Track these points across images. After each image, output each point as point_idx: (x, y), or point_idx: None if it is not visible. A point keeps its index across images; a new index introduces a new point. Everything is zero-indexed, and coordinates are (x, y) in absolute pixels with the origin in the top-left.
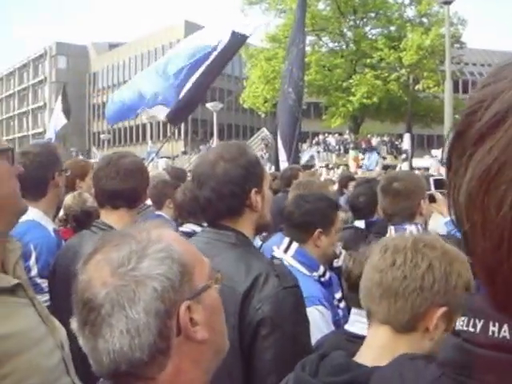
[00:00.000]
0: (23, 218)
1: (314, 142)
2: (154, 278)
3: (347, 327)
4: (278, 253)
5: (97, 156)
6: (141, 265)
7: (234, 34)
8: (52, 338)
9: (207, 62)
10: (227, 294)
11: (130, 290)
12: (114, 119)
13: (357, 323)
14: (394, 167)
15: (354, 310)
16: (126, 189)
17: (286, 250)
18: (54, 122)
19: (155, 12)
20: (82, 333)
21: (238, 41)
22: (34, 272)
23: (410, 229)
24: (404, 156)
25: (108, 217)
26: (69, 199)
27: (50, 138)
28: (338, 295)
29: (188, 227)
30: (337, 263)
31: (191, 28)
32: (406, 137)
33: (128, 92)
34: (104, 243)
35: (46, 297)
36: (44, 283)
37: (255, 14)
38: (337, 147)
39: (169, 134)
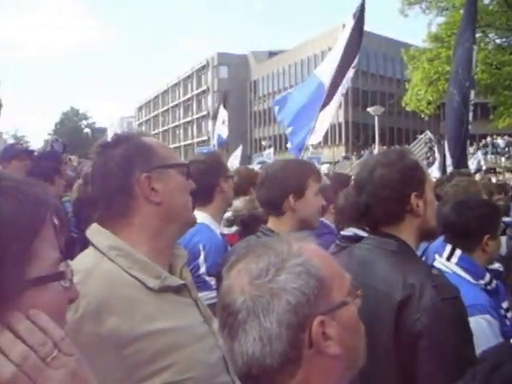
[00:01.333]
0: None
1: (481, 144)
2: (288, 292)
3: None
4: (441, 261)
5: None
6: (278, 278)
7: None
8: (213, 338)
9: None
10: (383, 299)
11: (265, 300)
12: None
13: None
14: None
15: None
16: (268, 197)
17: (448, 258)
18: (218, 130)
19: (313, 18)
20: (222, 334)
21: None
22: (203, 270)
23: None
24: None
25: (271, 223)
26: (239, 202)
27: (214, 144)
28: (505, 305)
29: (350, 231)
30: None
31: None
32: None
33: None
34: (247, 253)
35: (214, 293)
36: (212, 281)
37: (415, 14)
38: (506, 149)
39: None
